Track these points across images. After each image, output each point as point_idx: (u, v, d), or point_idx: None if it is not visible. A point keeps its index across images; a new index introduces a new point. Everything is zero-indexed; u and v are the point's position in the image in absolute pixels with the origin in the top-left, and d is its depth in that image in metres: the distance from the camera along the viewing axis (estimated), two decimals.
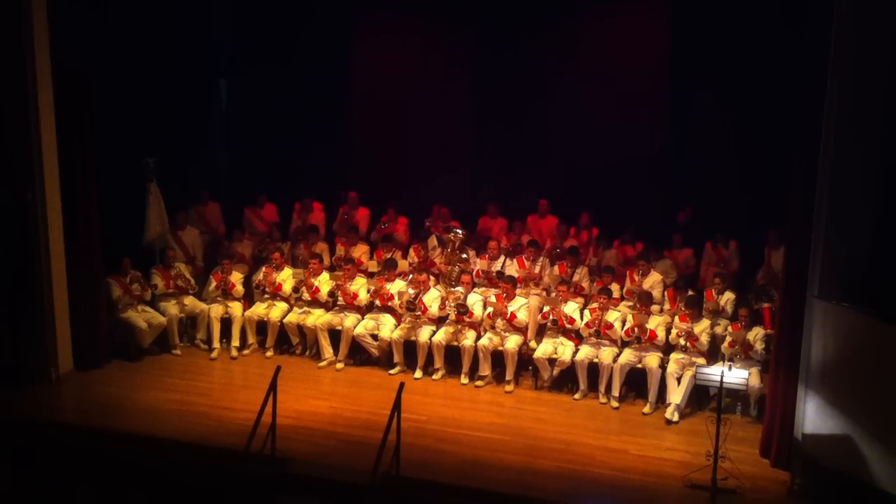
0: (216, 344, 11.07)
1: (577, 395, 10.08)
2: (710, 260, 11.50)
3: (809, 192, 7.86)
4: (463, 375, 10.44)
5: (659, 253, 11.39)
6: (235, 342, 11.09)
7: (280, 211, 13.03)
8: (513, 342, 10.29)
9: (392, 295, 10.81)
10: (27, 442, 7.80)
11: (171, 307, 11.03)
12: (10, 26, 9.49)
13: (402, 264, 11.67)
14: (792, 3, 10.45)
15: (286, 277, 11.25)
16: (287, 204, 13.02)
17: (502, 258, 11.50)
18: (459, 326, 10.56)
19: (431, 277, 11.29)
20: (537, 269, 11.32)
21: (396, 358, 10.67)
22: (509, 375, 10.28)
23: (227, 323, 11.15)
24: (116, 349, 10.75)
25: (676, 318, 10.05)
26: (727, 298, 10.47)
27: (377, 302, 10.91)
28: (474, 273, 11.30)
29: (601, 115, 12.76)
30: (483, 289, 11.13)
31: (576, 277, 11.10)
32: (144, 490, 7.19)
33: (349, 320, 10.83)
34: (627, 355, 9.93)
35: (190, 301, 11.24)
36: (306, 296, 11.07)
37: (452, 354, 10.57)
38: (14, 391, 9.67)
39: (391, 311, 10.91)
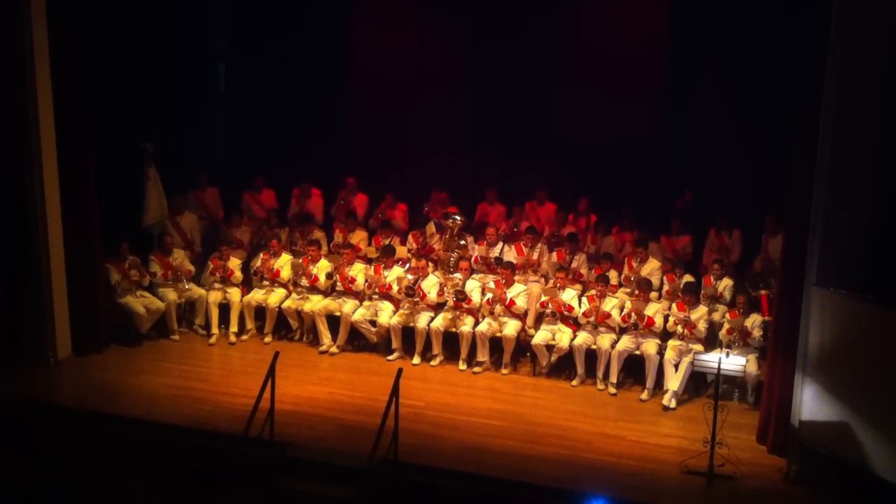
0: (214, 329, 11.06)
1: (574, 382, 10.10)
2: (713, 247, 11.41)
3: (808, 179, 7.84)
4: (461, 361, 10.45)
5: (654, 238, 11.33)
6: (234, 327, 11.08)
7: (278, 196, 13.00)
8: (511, 328, 10.29)
9: (390, 285, 10.81)
10: (25, 425, 7.82)
11: (170, 292, 11.01)
12: (8, 5, 9.44)
13: (401, 250, 11.67)
14: None
15: (284, 263, 11.24)
16: (285, 189, 12.98)
17: (500, 244, 11.50)
18: (458, 312, 10.57)
19: (430, 264, 11.28)
20: (535, 256, 11.32)
21: (395, 344, 10.67)
22: (507, 361, 10.29)
23: (225, 308, 11.14)
24: (115, 334, 10.74)
25: (674, 306, 10.03)
26: (725, 284, 10.45)
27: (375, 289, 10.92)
28: (472, 259, 11.30)
29: (601, 99, 12.62)
30: (481, 275, 11.14)
31: (574, 264, 11.10)
32: (143, 474, 7.20)
33: (348, 306, 10.83)
34: (625, 342, 9.94)
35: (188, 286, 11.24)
36: (305, 282, 11.07)
37: (451, 340, 10.57)
38: (11, 375, 9.66)
39: (389, 297, 10.91)
